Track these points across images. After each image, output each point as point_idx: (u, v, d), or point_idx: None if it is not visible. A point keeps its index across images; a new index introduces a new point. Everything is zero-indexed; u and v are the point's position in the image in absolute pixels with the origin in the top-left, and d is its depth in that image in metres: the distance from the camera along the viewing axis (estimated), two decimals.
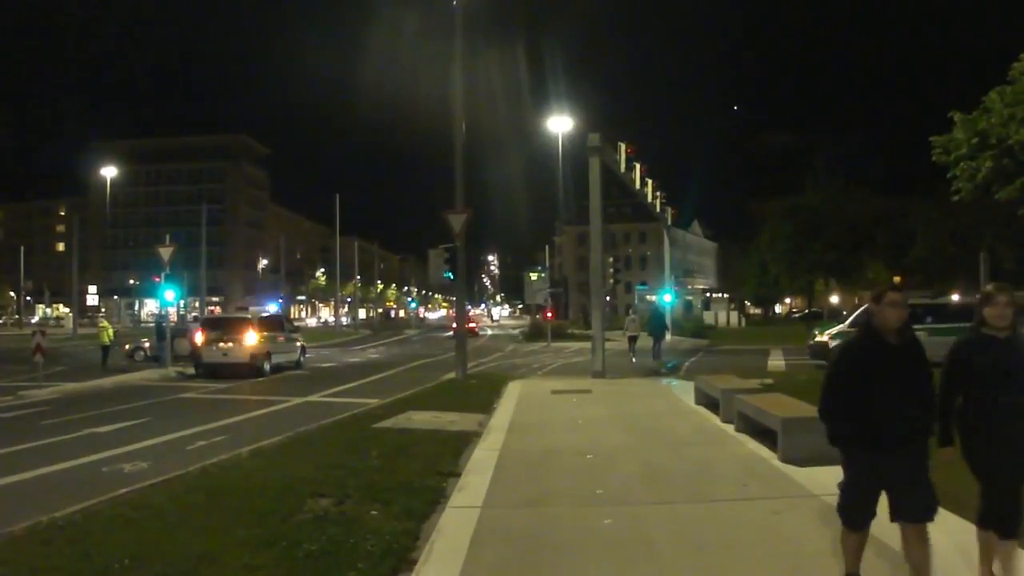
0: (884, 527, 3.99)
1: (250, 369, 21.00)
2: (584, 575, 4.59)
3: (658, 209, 36.10)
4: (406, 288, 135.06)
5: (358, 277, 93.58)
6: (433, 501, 6.33)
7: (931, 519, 3.78)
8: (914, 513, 3.77)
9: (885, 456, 3.75)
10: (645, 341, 25.75)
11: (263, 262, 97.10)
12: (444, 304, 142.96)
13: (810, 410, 8.04)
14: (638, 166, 29.59)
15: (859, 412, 3.78)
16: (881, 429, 3.74)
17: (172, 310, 30.56)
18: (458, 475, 7.36)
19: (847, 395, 3.83)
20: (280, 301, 58.15)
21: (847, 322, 20.62)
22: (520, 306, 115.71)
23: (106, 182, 66.30)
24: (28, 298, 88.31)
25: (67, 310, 74.24)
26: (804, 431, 7.46)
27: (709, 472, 7.29)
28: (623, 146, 26.43)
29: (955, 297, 28.39)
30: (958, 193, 18.43)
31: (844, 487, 3.99)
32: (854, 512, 3.96)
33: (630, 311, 42.05)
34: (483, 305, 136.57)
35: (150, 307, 72.76)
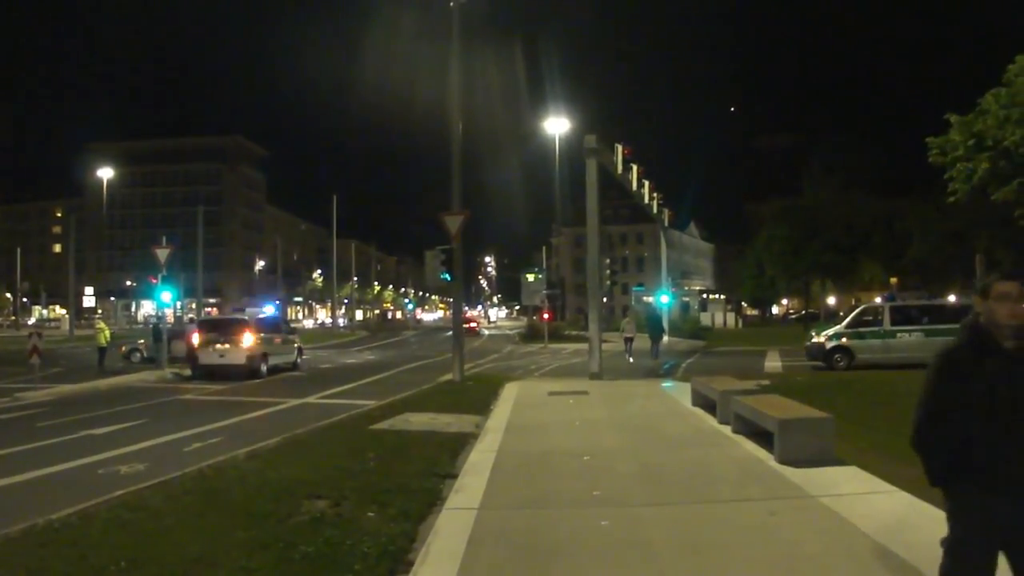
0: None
1: (247, 371, 20.97)
2: None
3: (655, 210, 35.99)
4: (403, 289, 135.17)
5: (355, 278, 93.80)
6: (430, 503, 6.33)
7: None
8: None
9: (1003, 502, 2.80)
10: (642, 342, 25.80)
11: (260, 263, 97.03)
12: (441, 306, 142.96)
13: (807, 411, 8.09)
14: (635, 167, 29.46)
15: (965, 441, 2.85)
16: (996, 466, 2.80)
17: (169, 311, 30.49)
18: (455, 477, 7.36)
19: (948, 418, 2.88)
20: (277, 302, 58.06)
21: (844, 323, 20.68)
22: (517, 307, 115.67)
23: (103, 184, 66.07)
24: (25, 299, 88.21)
25: (64, 311, 74.07)
26: (801, 432, 7.49)
27: (706, 473, 7.29)
28: (620, 147, 26.35)
29: (951, 298, 28.60)
30: (954, 194, 18.52)
31: (948, 545, 2.94)
32: None
33: (626, 312, 42.08)
34: (480, 306, 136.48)
35: (147, 309, 72.70)
